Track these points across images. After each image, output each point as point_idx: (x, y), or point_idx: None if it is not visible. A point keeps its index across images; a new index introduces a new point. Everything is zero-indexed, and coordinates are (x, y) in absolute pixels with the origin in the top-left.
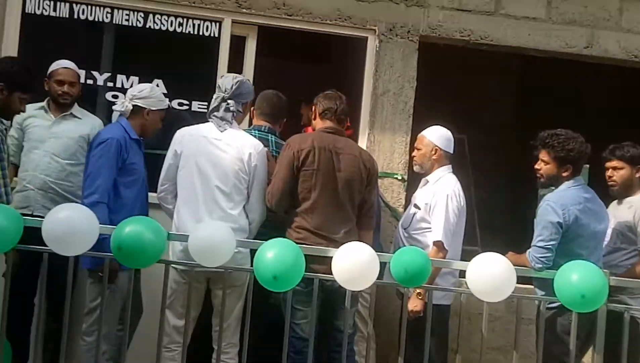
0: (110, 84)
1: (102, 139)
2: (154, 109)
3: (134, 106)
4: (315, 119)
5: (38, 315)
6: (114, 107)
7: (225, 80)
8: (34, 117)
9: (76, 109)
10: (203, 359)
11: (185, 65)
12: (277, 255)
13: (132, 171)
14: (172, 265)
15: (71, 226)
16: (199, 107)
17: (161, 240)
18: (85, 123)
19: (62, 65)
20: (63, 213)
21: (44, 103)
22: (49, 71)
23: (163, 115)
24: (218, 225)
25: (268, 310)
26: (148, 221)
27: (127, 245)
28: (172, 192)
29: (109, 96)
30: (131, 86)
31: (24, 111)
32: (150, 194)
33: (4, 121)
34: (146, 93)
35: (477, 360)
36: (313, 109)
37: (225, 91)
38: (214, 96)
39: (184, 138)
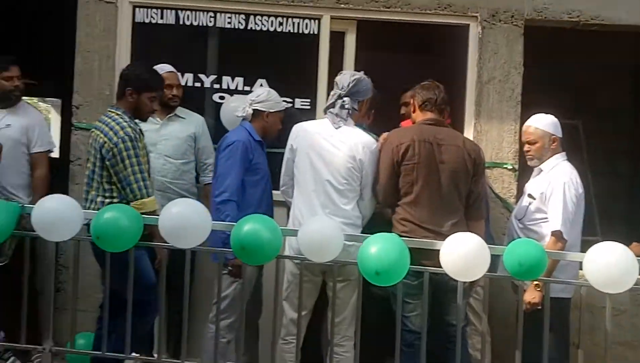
0: (216, 86)
1: (230, 142)
2: (272, 111)
3: (254, 110)
4: (414, 111)
5: (163, 306)
6: (235, 113)
7: (343, 77)
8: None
9: (179, 110)
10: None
11: (287, 63)
12: (380, 250)
13: (257, 171)
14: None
15: (185, 221)
16: (301, 105)
17: (278, 238)
18: (189, 122)
19: (165, 69)
20: (176, 208)
21: None
22: None
23: (282, 116)
24: (327, 220)
25: (379, 302)
26: (265, 220)
27: (248, 245)
28: (292, 186)
29: (215, 97)
30: (237, 87)
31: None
32: (273, 192)
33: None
34: (264, 97)
35: (602, 356)
36: (411, 102)
37: (342, 88)
38: (331, 93)
39: (299, 133)
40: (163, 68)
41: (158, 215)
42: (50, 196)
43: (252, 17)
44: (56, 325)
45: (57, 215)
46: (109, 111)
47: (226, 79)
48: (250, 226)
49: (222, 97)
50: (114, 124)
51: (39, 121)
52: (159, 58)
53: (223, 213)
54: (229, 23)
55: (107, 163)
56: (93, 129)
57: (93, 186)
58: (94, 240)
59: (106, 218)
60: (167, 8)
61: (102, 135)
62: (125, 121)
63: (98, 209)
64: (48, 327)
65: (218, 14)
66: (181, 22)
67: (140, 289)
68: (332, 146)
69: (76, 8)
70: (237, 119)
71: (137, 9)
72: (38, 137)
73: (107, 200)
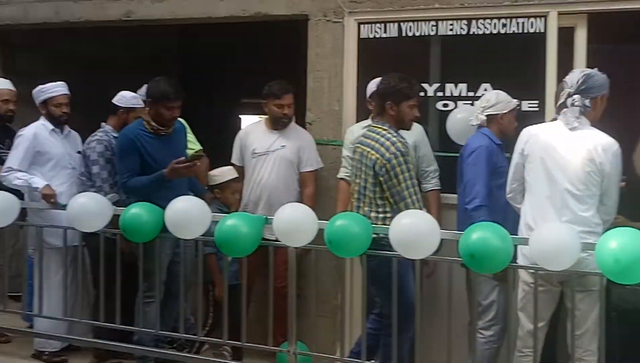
0: (439, 94)
1: (473, 148)
2: (505, 112)
3: (487, 115)
4: None
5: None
6: (470, 122)
7: (572, 75)
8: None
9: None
10: None
11: (512, 65)
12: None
13: (501, 174)
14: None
15: (416, 231)
16: (529, 107)
17: (508, 246)
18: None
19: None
20: (406, 220)
21: (369, 121)
22: (371, 91)
23: (515, 113)
24: (561, 226)
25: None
26: (495, 228)
27: (477, 253)
28: (521, 192)
29: (439, 105)
30: (460, 93)
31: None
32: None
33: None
34: (494, 100)
35: None
36: None
37: (571, 86)
38: (561, 93)
39: (530, 137)
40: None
41: None
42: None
43: (474, 21)
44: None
45: (293, 225)
46: (374, 126)
47: (449, 87)
48: (480, 234)
49: (445, 105)
50: (383, 140)
51: (308, 142)
52: (383, 71)
53: (477, 219)
54: (451, 30)
55: (381, 178)
56: (359, 145)
57: (365, 202)
58: (327, 244)
59: (338, 225)
60: (390, 22)
61: (373, 152)
62: (394, 136)
63: (373, 224)
64: (292, 331)
65: (440, 23)
66: (404, 34)
67: (402, 305)
68: (567, 149)
69: (306, 31)
70: (465, 130)
71: (361, 26)
72: (308, 157)
73: (381, 215)
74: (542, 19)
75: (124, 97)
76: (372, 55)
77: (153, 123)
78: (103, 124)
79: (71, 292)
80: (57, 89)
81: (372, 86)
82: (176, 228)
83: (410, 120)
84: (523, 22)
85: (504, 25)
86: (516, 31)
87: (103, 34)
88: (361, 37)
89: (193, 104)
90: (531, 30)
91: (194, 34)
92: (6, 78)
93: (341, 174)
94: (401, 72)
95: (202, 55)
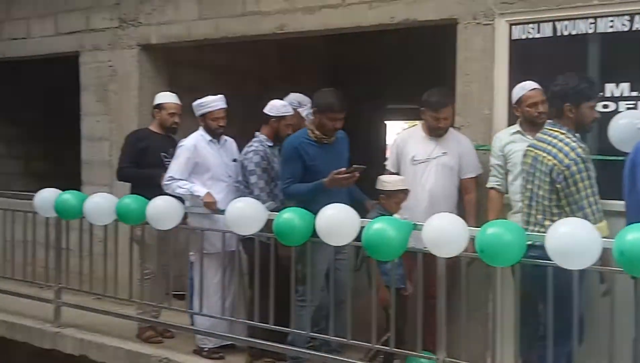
0: (600, 94)
1: None
2: None
3: None
4: None
5: None
6: (636, 126)
7: None
8: (513, 142)
9: None
10: None
11: None
12: None
13: None
14: None
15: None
16: None
17: None
18: None
19: (528, 87)
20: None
21: (517, 127)
22: (519, 96)
23: None
24: None
25: None
26: None
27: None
28: None
29: (599, 106)
30: (622, 94)
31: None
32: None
33: None
34: None
35: None
36: None
37: None
38: None
39: None
40: (525, 87)
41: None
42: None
43: (637, 16)
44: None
45: (444, 234)
46: (550, 129)
47: (610, 87)
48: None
49: (605, 106)
50: (562, 145)
51: (469, 148)
52: (537, 73)
53: None
54: (611, 27)
55: (558, 186)
56: (531, 149)
57: (538, 209)
58: (478, 253)
59: (489, 233)
60: (544, 22)
61: (549, 157)
62: (574, 141)
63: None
64: (441, 339)
65: (599, 19)
66: (559, 34)
67: (563, 317)
68: None
69: (455, 35)
70: (630, 135)
71: (513, 27)
72: (468, 163)
73: None
74: None
75: (275, 107)
76: (525, 56)
77: (317, 132)
78: (257, 133)
79: (228, 293)
80: (215, 103)
81: (519, 91)
82: (325, 234)
83: (591, 122)
84: None
85: None
86: None
87: (256, 47)
88: (513, 38)
89: None
90: None
91: (341, 43)
92: (172, 92)
93: (491, 184)
94: (555, 73)
95: (348, 63)
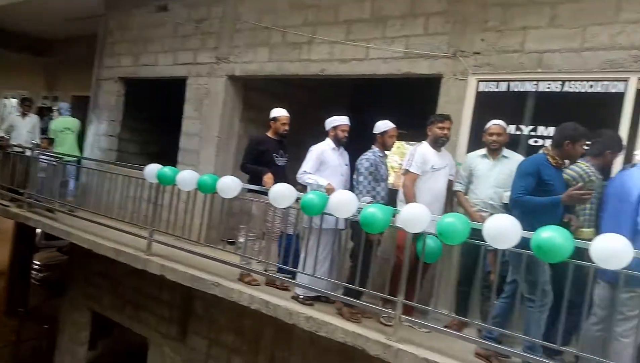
0: (532, 133)
1: None
2: None
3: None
4: None
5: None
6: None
7: None
8: (480, 161)
9: (505, 151)
10: None
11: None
12: None
13: None
14: None
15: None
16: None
17: None
18: (511, 161)
19: (494, 123)
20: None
21: (484, 151)
22: (486, 127)
23: None
24: None
25: None
26: None
27: None
28: None
29: (531, 141)
30: (549, 134)
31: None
32: None
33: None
34: None
35: None
36: None
37: None
38: None
39: None
40: (493, 122)
41: None
42: None
43: (567, 83)
44: None
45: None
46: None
47: (541, 129)
48: None
49: (535, 141)
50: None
51: (453, 163)
52: (492, 115)
53: None
54: (548, 88)
55: None
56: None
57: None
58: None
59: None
60: (501, 81)
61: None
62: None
63: None
64: None
65: (540, 83)
66: (511, 90)
67: None
68: None
69: (439, 85)
70: None
71: (480, 83)
72: (454, 172)
73: None
74: (624, 83)
75: (377, 126)
76: (486, 103)
77: (557, 158)
78: (373, 146)
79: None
80: (342, 120)
81: (488, 123)
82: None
83: (578, 156)
84: (607, 84)
85: (591, 86)
86: (600, 91)
87: (304, 82)
88: (478, 90)
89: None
90: (612, 91)
91: (361, 84)
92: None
93: (457, 188)
94: (505, 116)
95: (365, 99)
